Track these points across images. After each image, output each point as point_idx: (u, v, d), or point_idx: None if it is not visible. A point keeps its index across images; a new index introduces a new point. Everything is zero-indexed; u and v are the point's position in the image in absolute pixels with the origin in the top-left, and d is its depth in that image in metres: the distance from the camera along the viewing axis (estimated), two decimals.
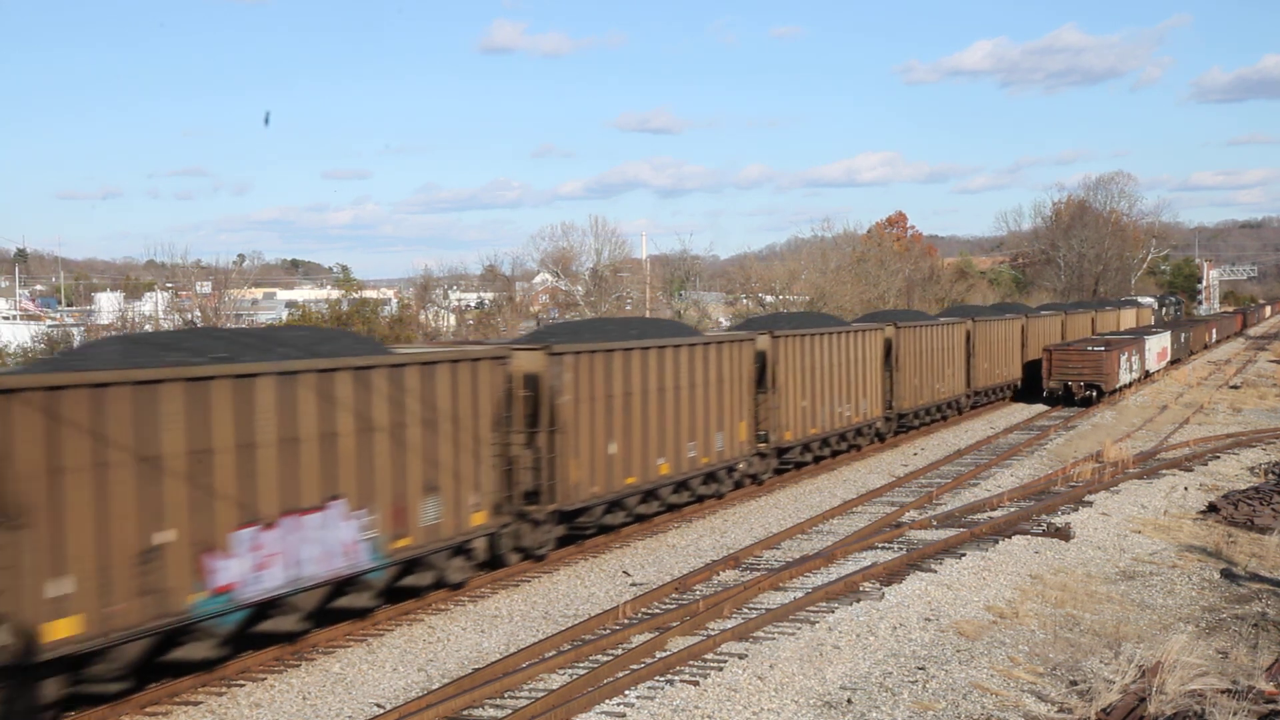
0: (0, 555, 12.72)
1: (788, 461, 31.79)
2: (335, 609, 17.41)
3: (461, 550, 19.74)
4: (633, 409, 23.99)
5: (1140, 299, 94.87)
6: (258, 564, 15.55)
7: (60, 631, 13.18)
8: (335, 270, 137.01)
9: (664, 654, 16.04)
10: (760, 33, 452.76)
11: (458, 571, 19.76)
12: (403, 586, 18.78)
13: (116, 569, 13.74)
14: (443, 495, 18.89)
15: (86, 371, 13.83)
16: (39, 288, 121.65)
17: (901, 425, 39.79)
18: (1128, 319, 77.12)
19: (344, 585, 17.27)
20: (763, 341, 29.92)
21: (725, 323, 69.56)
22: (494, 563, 21.03)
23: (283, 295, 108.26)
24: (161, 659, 14.78)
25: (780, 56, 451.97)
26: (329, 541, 16.64)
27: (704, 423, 26.77)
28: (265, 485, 15.64)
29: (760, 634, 16.92)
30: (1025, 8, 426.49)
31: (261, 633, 16.16)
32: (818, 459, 33.68)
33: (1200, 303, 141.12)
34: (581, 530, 23.26)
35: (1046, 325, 59.48)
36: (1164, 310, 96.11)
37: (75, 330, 56.46)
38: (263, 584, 15.61)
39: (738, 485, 29.17)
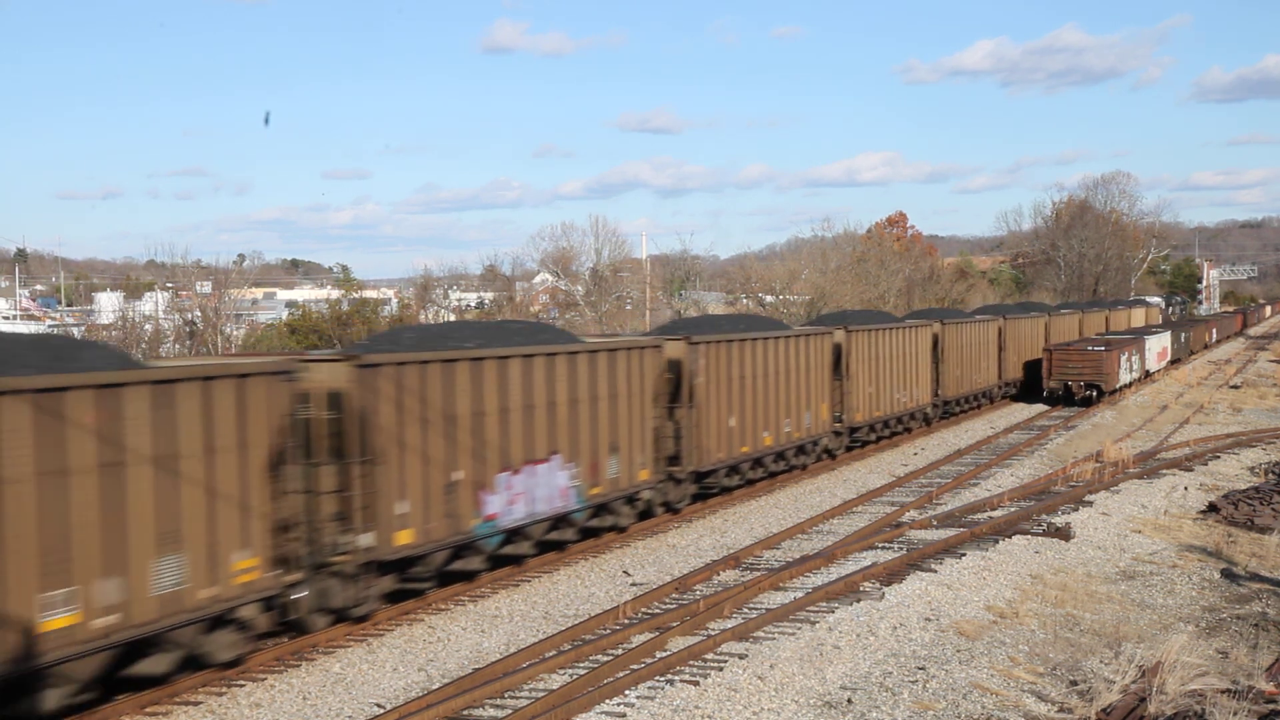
0: (366, 483, 17.56)
1: (857, 439, 36.22)
2: (547, 540, 22.04)
3: (631, 500, 24.44)
4: (746, 390, 28.40)
5: (1149, 299, 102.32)
6: (510, 500, 20.51)
7: (401, 539, 18.15)
8: (335, 270, 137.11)
9: (664, 654, 16.04)
10: (761, 33, 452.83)
11: (626, 518, 24.50)
12: (590, 526, 23.34)
13: (433, 497, 18.71)
14: (621, 455, 23.70)
15: (412, 351, 18.98)
16: (39, 288, 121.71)
17: (946, 411, 44.43)
18: (1138, 317, 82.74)
19: (558, 521, 22.04)
20: (839, 335, 34.62)
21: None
22: (644, 514, 25.33)
23: (283, 295, 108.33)
24: (448, 568, 19.49)
25: (780, 56, 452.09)
26: (551, 486, 21.61)
27: (797, 403, 31.24)
28: (514, 440, 20.62)
29: (760, 634, 16.92)
30: (1026, 8, 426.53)
31: (504, 555, 20.96)
32: (879, 439, 38.22)
33: (1200, 303, 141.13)
34: (708, 490, 28.03)
35: (1066, 323, 64.51)
36: (1171, 309, 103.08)
37: (75, 330, 56.48)
38: (512, 515, 20.62)
39: (818, 459, 33.48)
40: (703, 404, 26.17)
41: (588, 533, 23.48)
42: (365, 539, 17.53)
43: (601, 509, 23.29)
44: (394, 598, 18.76)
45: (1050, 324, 59.95)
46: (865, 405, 35.78)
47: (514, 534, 20.87)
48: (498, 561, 20.83)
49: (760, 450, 29.07)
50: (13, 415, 12.64)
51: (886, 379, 37.30)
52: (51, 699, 13.33)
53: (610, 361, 23.27)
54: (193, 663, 15.27)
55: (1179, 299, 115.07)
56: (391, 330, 26.54)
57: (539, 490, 21.09)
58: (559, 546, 22.53)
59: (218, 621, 15.32)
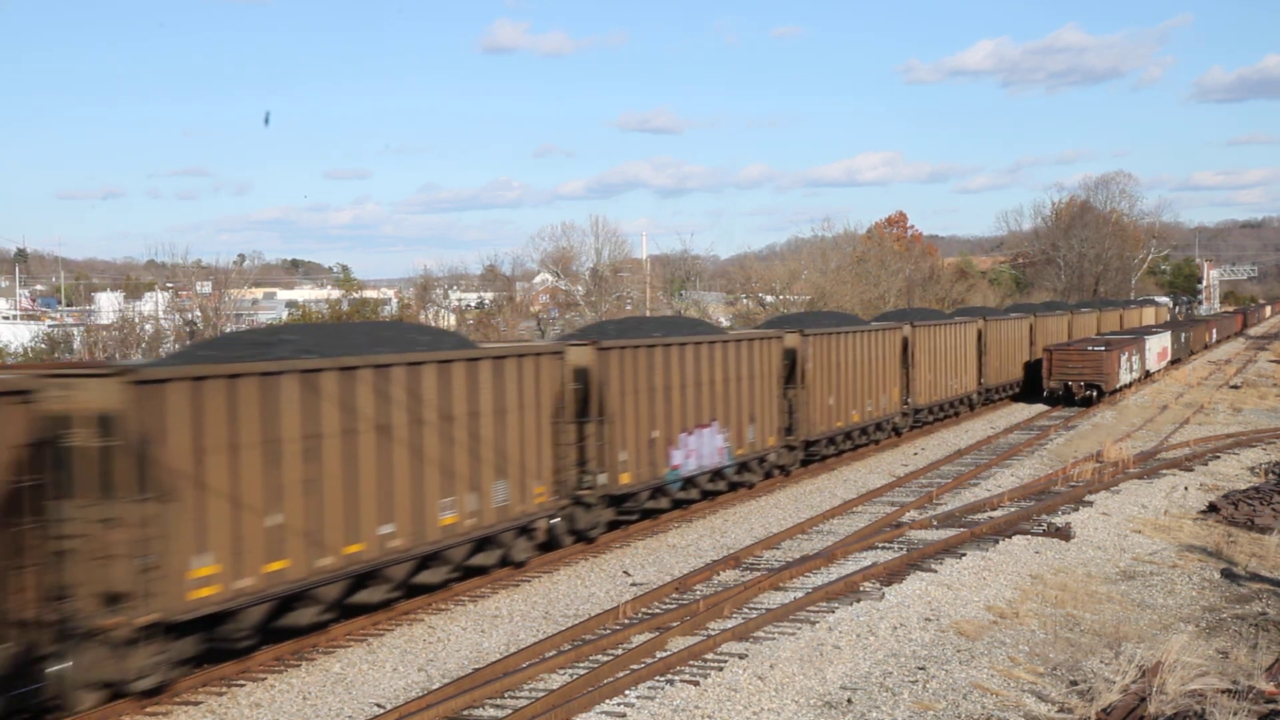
0: (595, 437, 22.46)
1: (919, 421, 41.09)
2: (707, 489, 27.33)
3: (761, 460, 29.73)
4: (844, 374, 33.56)
5: (1158, 298, 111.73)
6: (686, 454, 26.09)
7: (624, 480, 23.51)
8: (335, 270, 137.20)
9: (664, 654, 16.03)
10: (761, 33, 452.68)
11: (757, 475, 29.70)
12: (735, 480, 28.67)
13: (641, 449, 23.87)
14: (756, 424, 27.97)
15: (618, 339, 24.05)
16: (39, 288, 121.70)
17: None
18: (1149, 316, 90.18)
19: (715, 474, 27.53)
20: (906, 330, 39.76)
21: (725, 321, 69.57)
22: (767, 474, 30.17)
23: (283, 295, 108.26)
24: (646, 505, 24.67)
25: (781, 56, 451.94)
26: (712, 446, 27.21)
27: (875, 389, 36.26)
28: (689, 409, 26.10)
29: (760, 634, 16.91)
30: (1026, 8, 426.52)
31: (681, 499, 26.17)
32: (937, 419, 43.28)
33: (1200, 303, 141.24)
34: (812, 456, 32.45)
35: (1086, 320, 69.32)
36: (1178, 308, 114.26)
37: (75, 330, 56.47)
38: (688, 467, 26.13)
39: (888, 435, 38.56)
40: (811, 386, 31.39)
41: (732, 486, 29.09)
42: (602, 478, 22.88)
43: (743, 467, 28.48)
44: (611, 526, 24.08)
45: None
46: (927, 391, 36.91)
47: (688, 482, 26.45)
48: (675, 504, 26.29)
49: (852, 425, 34.96)
50: (716, 352, 26.15)
51: (942, 369, 36.34)
52: (439, 575, 19.13)
53: (750, 349, 28.22)
54: (505, 561, 20.73)
55: (1185, 298, 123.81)
56: (600, 323, 32.12)
57: (705, 448, 26.92)
58: (712, 495, 28.12)
59: (522, 530, 20.76)
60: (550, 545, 22.45)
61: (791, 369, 31.58)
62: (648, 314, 71.38)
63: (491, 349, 20.94)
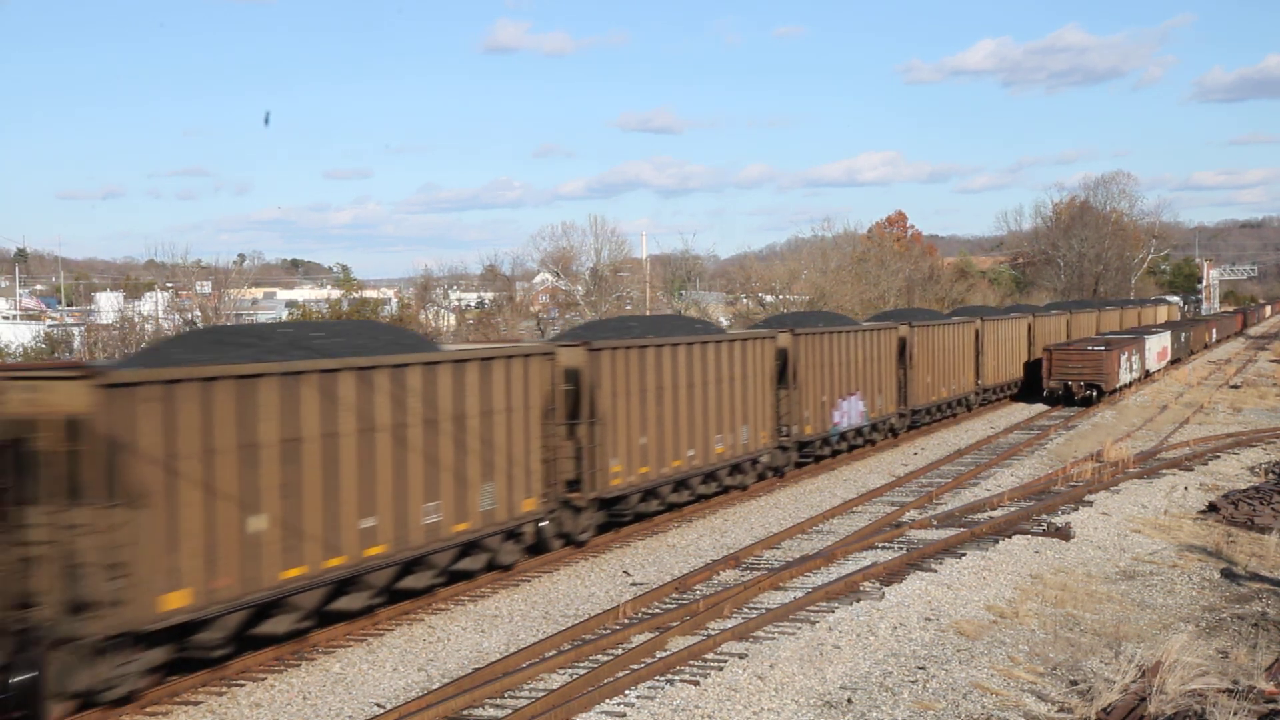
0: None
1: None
2: (853, 444, 35.68)
3: (880, 425, 37.09)
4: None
5: (1168, 298, 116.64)
6: (842, 415, 34.33)
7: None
8: (335, 270, 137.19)
9: (664, 654, 16.04)
10: (763, 33, 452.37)
11: (879, 435, 37.37)
12: (869, 439, 37.18)
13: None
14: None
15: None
16: (39, 287, 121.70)
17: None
18: (1161, 314, 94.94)
19: (856, 433, 35.74)
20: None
21: (725, 321, 69.59)
22: (887, 435, 39.13)
23: (283, 295, 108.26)
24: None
25: (782, 56, 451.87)
26: (856, 411, 35.49)
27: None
28: (842, 382, 34.06)
29: (760, 634, 16.92)
30: (1027, 8, 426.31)
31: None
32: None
33: (1200, 302, 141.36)
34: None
35: (1107, 317, 74.23)
36: (1187, 307, 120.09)
37: (75, 330, 56.46)
38: (840, 426, 34.32)
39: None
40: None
41: (867, 443, 36.80)
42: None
43: (873, 428, 33.53)
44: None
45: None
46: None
47: (842, 436, 34.52)
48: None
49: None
50: (856, 340, 34.28)
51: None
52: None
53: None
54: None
55: (1193, 298, 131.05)
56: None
57: (852, 412, 35.14)
58: (852, 449, 36.02)
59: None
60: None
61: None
62: (647, 313, 71.42)
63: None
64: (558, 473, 22.02)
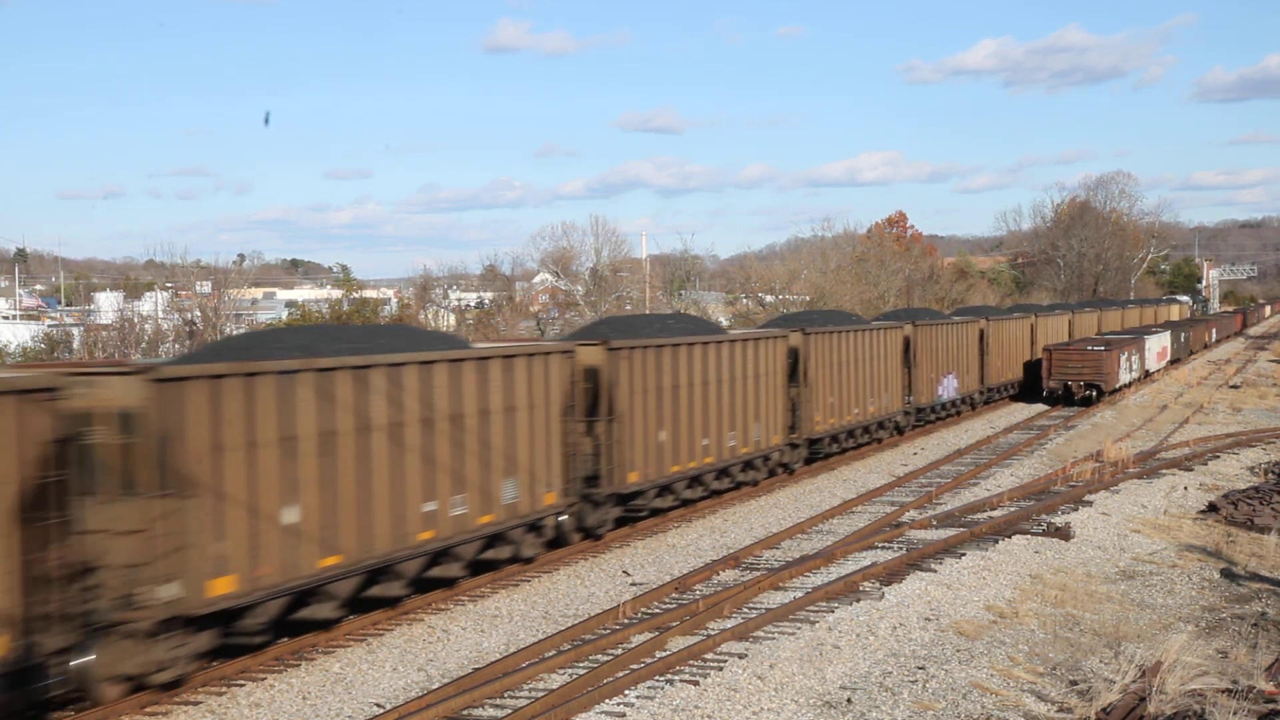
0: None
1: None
2: (949, 413, 41.76)
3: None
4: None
5: (1179, 297, 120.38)
6: (942, 389, 43.28)
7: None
8: (335, 270, 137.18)
9: (664, 654, 16.04)
10: (764, 33, 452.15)
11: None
12: (958, 410, 45.03)
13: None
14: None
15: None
16: (39, 287, 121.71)
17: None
18: (1174, 312, 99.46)
19: (951, 404, 43.73)
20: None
21: (725, 321, 69.60)
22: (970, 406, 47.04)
23: (282, 295, 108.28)
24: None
25: (783, 56, 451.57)
26: (952, 387, 44.33)
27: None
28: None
29: (760, 634, 16.92)
30: (1029, 8, 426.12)
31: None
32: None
33: (1207, 302, 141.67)
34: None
35: (1125, 315, 78.03)
36: (1195, 306, 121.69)
37: (75, 330, 56.43)
38: (942, 398, 43.30)
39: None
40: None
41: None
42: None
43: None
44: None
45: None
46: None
47: (944, 405, 42.39)
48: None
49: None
50: (953, 331, 41.85)
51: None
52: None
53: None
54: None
55: (1201, 297, 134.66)
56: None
57: (950, 387, 44.20)
58: (946, 418, 43.81)
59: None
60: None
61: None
62: (646, 311, 71.44)
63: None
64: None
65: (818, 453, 33.91)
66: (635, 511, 24.95)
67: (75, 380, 14.04)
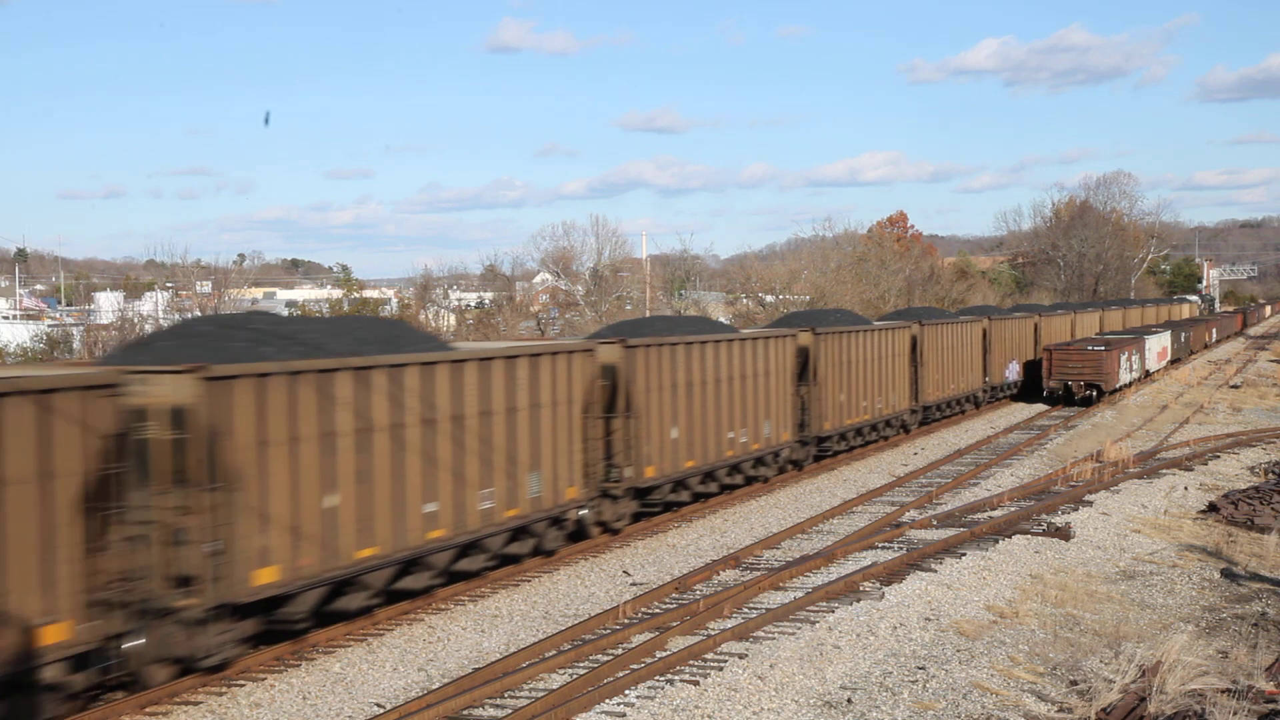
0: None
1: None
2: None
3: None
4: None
5: (1189, 296, 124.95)
6: (1009, 373, 51.96)
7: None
8: (335, 270, 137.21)
9: (664, 654, 16.04)
10: (767, 32, 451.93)
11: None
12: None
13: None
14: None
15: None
16: (39, 287, 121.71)
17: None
18: (1186, 310, 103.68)
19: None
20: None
21: (725, 321, 69.60)
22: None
23: (283, 295, 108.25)
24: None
25: (785, 56, 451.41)
26: (1013, 371, 52.73)
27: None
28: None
29: (760, 634, 16.92)
30: (1031, 8, 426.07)
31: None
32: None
33: (1215, 301, 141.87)
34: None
35: (1143, 313, 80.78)
36: (1205, 305, 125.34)
37: (75, 330, 56.43)
38: (1007, 379, 51.41)
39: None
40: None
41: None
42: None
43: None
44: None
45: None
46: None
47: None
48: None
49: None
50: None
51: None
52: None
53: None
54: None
55: (1209, 297, 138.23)
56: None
57: (1011, 371, 50.74)
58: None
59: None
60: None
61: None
62: (647, 314, 71.46)
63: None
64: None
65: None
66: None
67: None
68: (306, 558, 16.25)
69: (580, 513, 22.87)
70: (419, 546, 18.31)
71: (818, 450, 33.69)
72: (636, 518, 25.18)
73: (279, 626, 16.49)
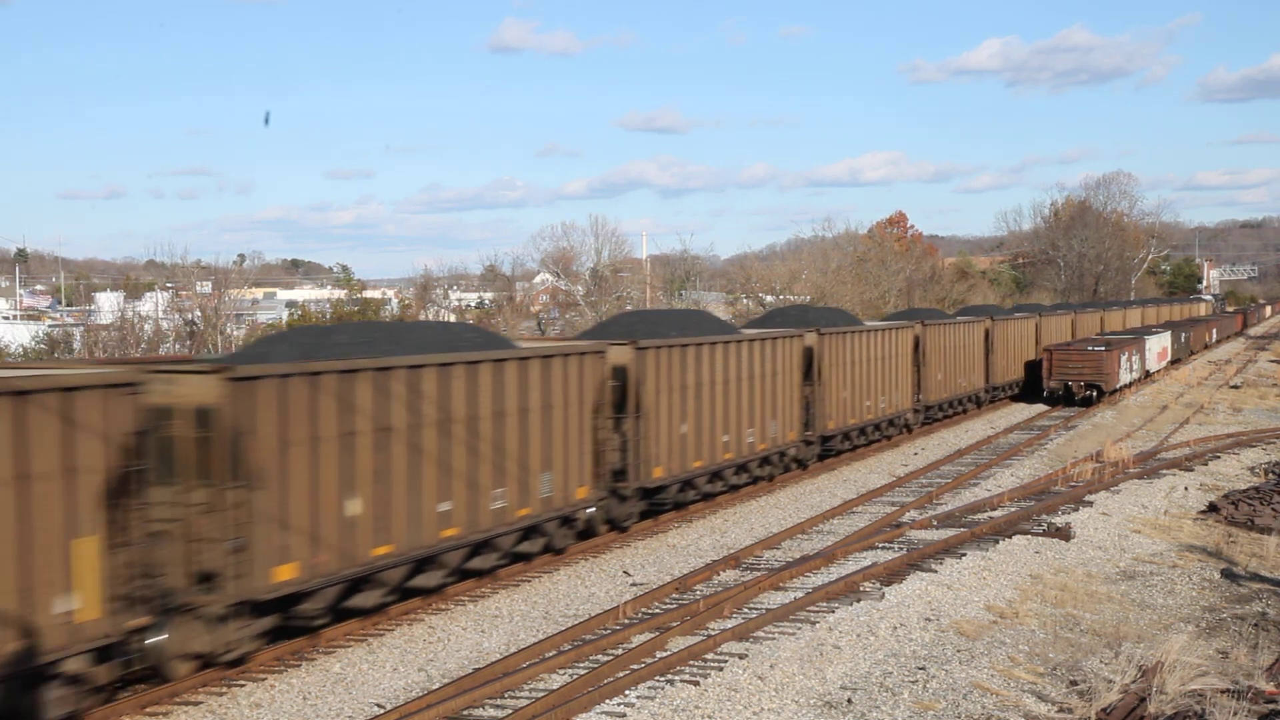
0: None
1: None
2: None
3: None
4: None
5: (1203, 295, 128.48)
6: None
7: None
8: (335, 270, 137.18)
9: (664, 654, 16.04)
10: (768, 32, 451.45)
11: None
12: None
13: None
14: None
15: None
16: (39, 287, 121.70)
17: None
18: (1199, 309, 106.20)
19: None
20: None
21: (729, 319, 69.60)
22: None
23: (283, 295, 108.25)
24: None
25: (787, 56, 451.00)
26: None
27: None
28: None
29: (760, 634, 16.92)
30: (1033, 8, 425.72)
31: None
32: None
33: (1224, 301, 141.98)
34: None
35: (1154, 312, 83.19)
36: (1217, 305, 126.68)
37: (75, 330, 56.43)
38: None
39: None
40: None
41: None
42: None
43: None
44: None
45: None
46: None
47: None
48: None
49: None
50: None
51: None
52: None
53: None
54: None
55: (1219, 296, 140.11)
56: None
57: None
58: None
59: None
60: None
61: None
62: (646, 306, 71.39)
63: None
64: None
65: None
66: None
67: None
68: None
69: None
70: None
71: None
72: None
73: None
